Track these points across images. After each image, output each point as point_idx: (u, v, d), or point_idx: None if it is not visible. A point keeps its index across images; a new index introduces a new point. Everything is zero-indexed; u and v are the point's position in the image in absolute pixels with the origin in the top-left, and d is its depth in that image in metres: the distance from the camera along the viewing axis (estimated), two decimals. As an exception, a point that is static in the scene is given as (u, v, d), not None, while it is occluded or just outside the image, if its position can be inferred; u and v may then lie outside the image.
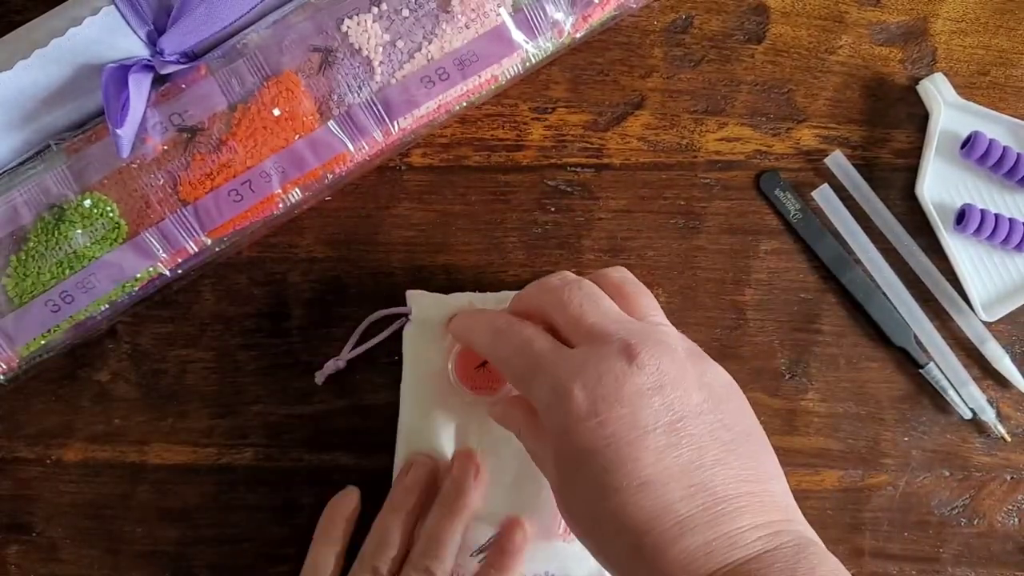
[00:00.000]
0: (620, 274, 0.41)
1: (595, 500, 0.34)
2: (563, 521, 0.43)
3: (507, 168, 0.49)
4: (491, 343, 0.40)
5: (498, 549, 0.44)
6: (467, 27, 0.45)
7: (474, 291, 0.48)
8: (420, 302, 0.47)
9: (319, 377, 0.48)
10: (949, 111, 0.48)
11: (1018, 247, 0.48)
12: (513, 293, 0.45)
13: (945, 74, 0.49)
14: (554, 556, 0.45)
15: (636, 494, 0.33)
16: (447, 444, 0.46)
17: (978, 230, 0.47)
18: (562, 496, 0.36)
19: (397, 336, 0.47)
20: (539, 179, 0.49)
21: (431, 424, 0.46)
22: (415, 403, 0.46)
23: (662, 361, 0.35)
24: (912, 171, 0.49)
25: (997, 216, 0.47)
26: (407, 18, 0.45)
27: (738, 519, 0.33)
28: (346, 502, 0.46)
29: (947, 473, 0.49)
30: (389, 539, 0.44)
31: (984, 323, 0.48)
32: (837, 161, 0.48)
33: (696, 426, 0.35)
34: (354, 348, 0.48)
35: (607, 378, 0.35)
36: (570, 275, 0.40)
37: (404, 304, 0.47)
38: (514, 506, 0.46)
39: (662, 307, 0.40)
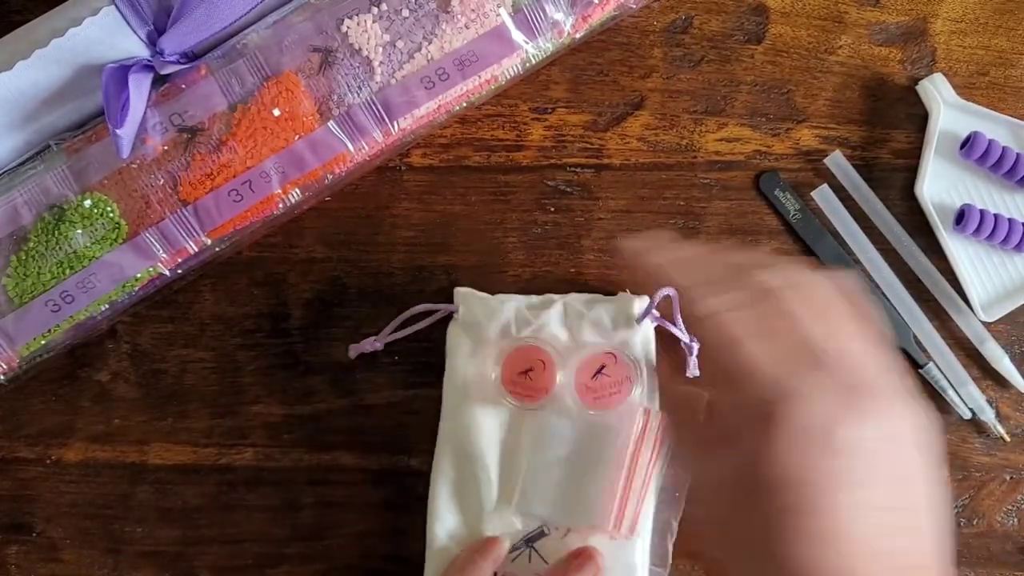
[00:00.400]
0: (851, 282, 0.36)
1: (765, 539, 0.31)
2: (614, 519, 0.43)
3: (507, 168, 0.49)
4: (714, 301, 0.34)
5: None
6: (467, 27, 0.45)
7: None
8: (468, 301, 0.46)
9: (352, 351, 0.47)
10: (948, 111, 0.48)
11: (1017, 247, 0.48)
12: (557, 296, 0.46)
13: (944, 74, 0.49)
14: (606, 553, 0.45)
15: (822, 548, 0.30)
16: (489, 446, 0.46)
17: (977, 230, 0.47)
18: (717, 520, 0.33)
19: (409, 338, 0.47)
20: (539, 179, 0.49)
21: (474, 424, 0.46)
22: (457, 402, 0.46)
23: (896, 419, 0.31)
24: (912, 171, 0.49)
25: (996, 216, 0.47)
26: (407, 18, 0.45)
27: None
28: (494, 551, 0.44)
29: (947, 473, 0.49)
30: None
31: (983, 323, 0.48)
32: (836, 161, 0.48)
33: (915, 496, 0.31)
34: (394, 331, 0.47)
35: (834, 414, 0.30)
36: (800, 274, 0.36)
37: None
38: (559, 506, 0.45)
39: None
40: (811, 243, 0.48)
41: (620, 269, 0.38)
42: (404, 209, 0.49)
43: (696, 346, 0.47)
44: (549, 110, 0.49)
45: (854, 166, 0.49)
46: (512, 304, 0.46)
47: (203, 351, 0.49)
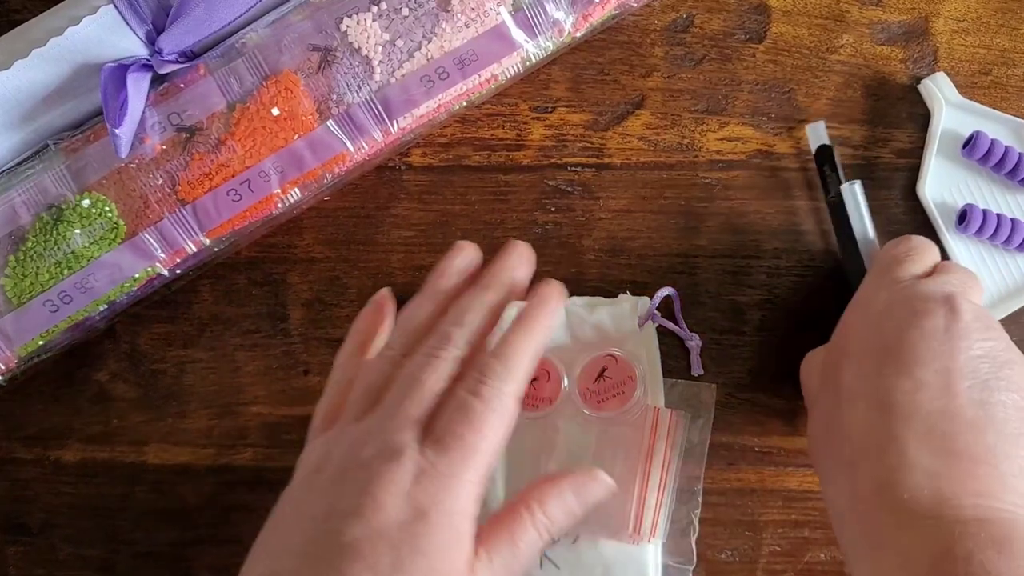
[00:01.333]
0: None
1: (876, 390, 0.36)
2: (632, 524, 0.43)
3: (507, 168, 0.49)
4: None
5: (527, 305, 0.38)
6: (467, 26, 0.44)
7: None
8: None
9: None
10: (951, 110, 0.48)
11: (1020, 247, 0.47)
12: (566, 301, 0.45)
13: (947, 73, 0.49)
14: (618, 558, 0.45)
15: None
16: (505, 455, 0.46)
17: (980, 230, 0.47)
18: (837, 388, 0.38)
19: None
20: (539, 179, 0.49)
21: None
22: None
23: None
24: (913, 171, 0.49)
25: (999, 216, 0.47)
26: (407, 17, 0.44)
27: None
28: (376, 299, 0.41)
29: None
30: (413, 316, 0.38)
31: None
32: (817, 131, 0.48)
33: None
34: None
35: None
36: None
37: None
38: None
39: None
40: (836, 228, 0.47)
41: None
42: (404, 209, 0.49)
43: (698, 344, 0.47)
44: (549, 109, 0.49)
45: (855, 166, 0.49)
46: (513, 311, 0.46)
47: (202, 351, 0.49)
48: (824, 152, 0.47)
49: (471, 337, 0.36)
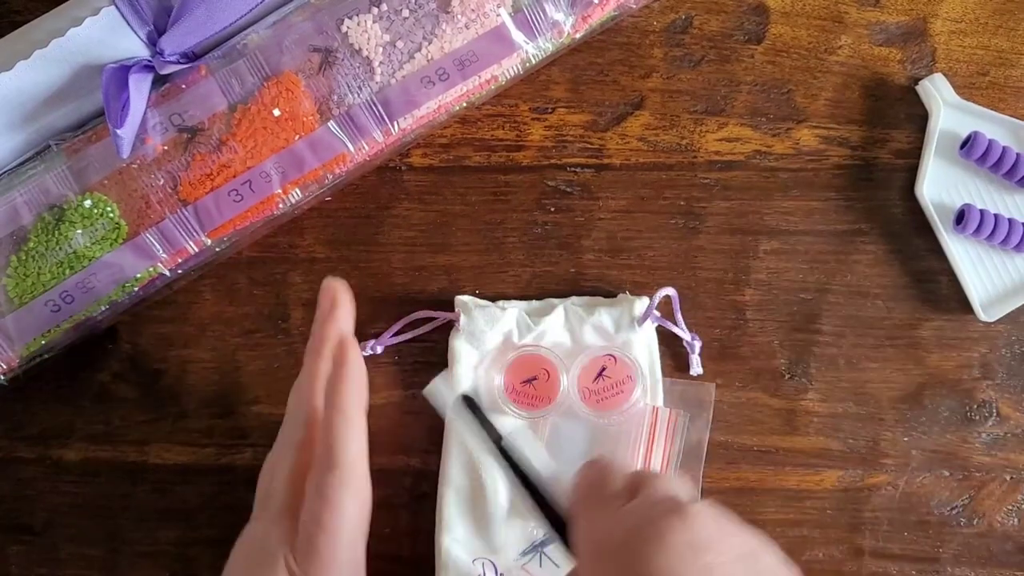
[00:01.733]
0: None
1: None
2: None
3: (507, 168, 0.49)
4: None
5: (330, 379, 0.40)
6: (467, 27, 0.45)
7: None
8: (469, 310, 0.47)
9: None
10: (948, 111, 0.48)
11: (1018, 247, 0.48)
12: (557, 300, 0.47)
13: (945, 74, 0.49)
14: None
15: None
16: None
17: (977, 230, 0.47)
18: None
19: (419, 339, 0.48)
20: (539, 179, 0.49)
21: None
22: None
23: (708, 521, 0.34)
24: (912, 171, 0.49)
25: (996, 216, 0.47)
26: (407, 18, 0.45)
27: None
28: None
29: (947, 473, 0.49)
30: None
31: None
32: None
33: None
34: (394, 335, 0.47)
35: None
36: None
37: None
38: None
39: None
40: (514, 470, 0.43)
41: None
42: (404, 209, 0.49)
43: (698, 344, 0.47)
44: (549, 110, 0.49)
45: (855, 166, 0.49)
46: (513, 311, 0.47)
47: (203, 351, 0.49)
48: (469, 403, 0.43)
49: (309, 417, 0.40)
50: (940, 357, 0.49)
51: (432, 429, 0.47)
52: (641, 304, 0.47)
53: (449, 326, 0.47)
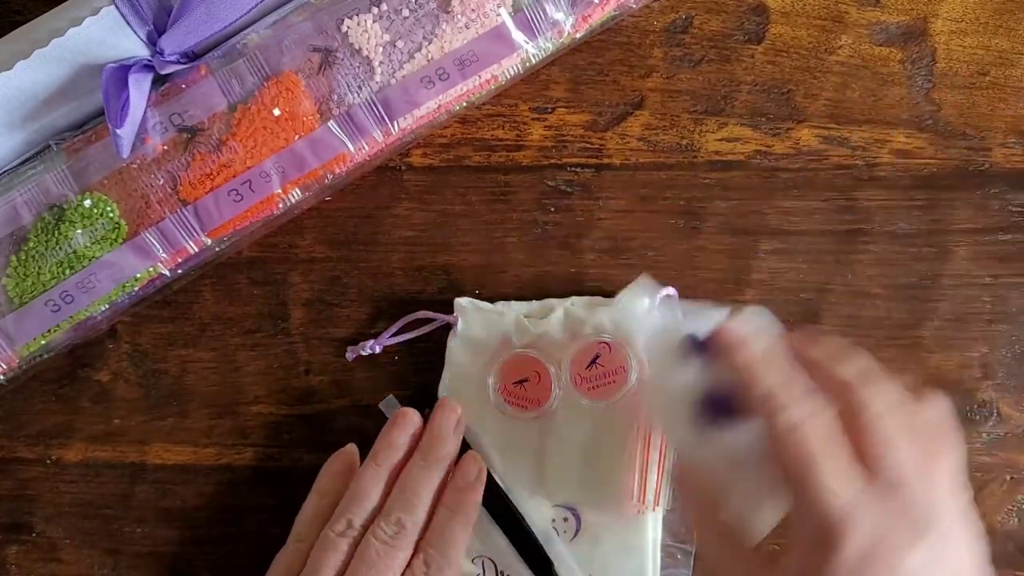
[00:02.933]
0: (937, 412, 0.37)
1: None
2: (636, 493, 0.44)
3: (507, 168, 0.49)
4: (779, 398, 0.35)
5: (453, 487, 0.44)
6: (467, 27, 0.45)
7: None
8: (467, 314, 0.47)
9: (350, 353, 0.48)
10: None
11: None
12: (556, 301, 0.47)
13: (945, 74, 0.49)
14: (628, 529, 0.46)
15: None
16: (487, 457, 0.46)
17: None
18: None
19: (419, 339, 0.48)
20: (539, 179, 0.49)
21: (470, 438, 0.46)
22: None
23: (950, 548, 0.33)
24: (912, 171, 0.49)
25: None
26: (407, 18, 0.45)
27: None
28: (344, 457, 0.46)
29: None
30: (366, 492, 0.43)
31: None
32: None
33: None
34: (393, 336, 0.48)
35: (890, 544, 0.32)
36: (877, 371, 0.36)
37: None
38: (579, 490, 0.46)
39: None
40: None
41: (720, 355, 0.38)
42: (404, 209, 0.49)
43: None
44: (549, 110, 0.49)
45: (854, 166, 0.49)
46: (512, 314, 0.47)
47: (203, 351, 0.49)
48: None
49: (420, 521, 0.42)
50: (940, 357, 0.49)
51: (432, 429, 0.47)
52: (643, 285, 0.47)
53: (449, 325, 0.47)
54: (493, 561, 0.46)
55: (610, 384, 0.45)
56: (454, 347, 0.47)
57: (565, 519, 0.46)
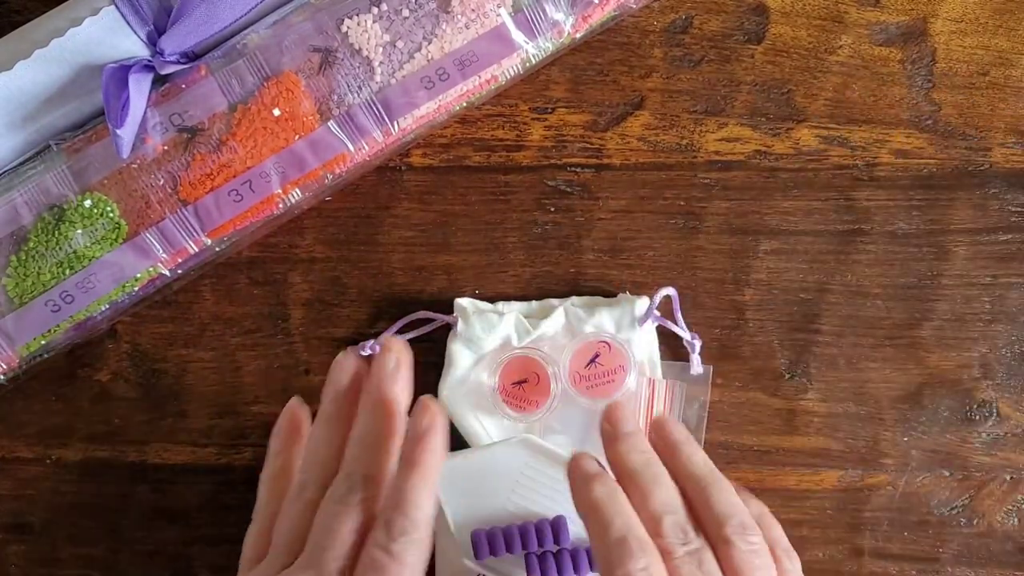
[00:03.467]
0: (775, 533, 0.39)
1: None
2: None
3: (507, 168, 0.49)
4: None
5: (406, 439, 0.38)
6: (467, 27, 0.45)
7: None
8: (467, 316, 0.47)
9: (347, 351, 0.47)
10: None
11: None
12: (557, 301, 0.47)
13: (945, 74, 0.49)
14: None
15: None
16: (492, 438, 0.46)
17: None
18: None
19: (419, 339, 0.48)
20: (539, 179, 0.49)
21: (470, 438, 0.46)
22: (454, 416, 0.46)
23: None
24: (912, 171, 0.49)
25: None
26: (407, 18, 0.45)
27: None
28: (288, 415, 0.42)
29: (947, 473, 0.49)
30: (316, 453, 0.39)
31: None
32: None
33: None
34: (393, 336, 0.48)
35: None
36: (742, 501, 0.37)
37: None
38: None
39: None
40: None
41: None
42: (404, 209, 0.49)
43: (698, 344, 0.47)
44: (549, 110, 0.49)
45: (854, 166, 0.49)
46: (512, 316, 0.47)
47: (203, 351, 0.49)
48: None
49: (374, 475, 0.37)
50: (940, 357, 0.49)
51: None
52: (641, 304, 0.47)
53: (450, 325, 0.47)
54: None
55: (608, 383, 0.46)
56: (454, 348, 0.47)
57: None
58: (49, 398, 0.49)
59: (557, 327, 0.47)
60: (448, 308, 0.48)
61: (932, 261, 0.49)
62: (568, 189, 0.49)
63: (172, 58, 0.44)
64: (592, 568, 0.42)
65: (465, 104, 0.47)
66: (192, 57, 0.45)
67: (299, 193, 0.46)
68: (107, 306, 0.45)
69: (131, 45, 0.43)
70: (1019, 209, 0.49)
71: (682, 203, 0.49)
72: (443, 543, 0.45)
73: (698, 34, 0.49)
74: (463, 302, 0.47)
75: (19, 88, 0.43)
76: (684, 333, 0.48)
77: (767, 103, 0.49)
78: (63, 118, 0.44)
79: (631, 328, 0.47)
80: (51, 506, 0.49)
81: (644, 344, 0.47)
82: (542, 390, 0.46)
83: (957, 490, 0.49)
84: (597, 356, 0.46)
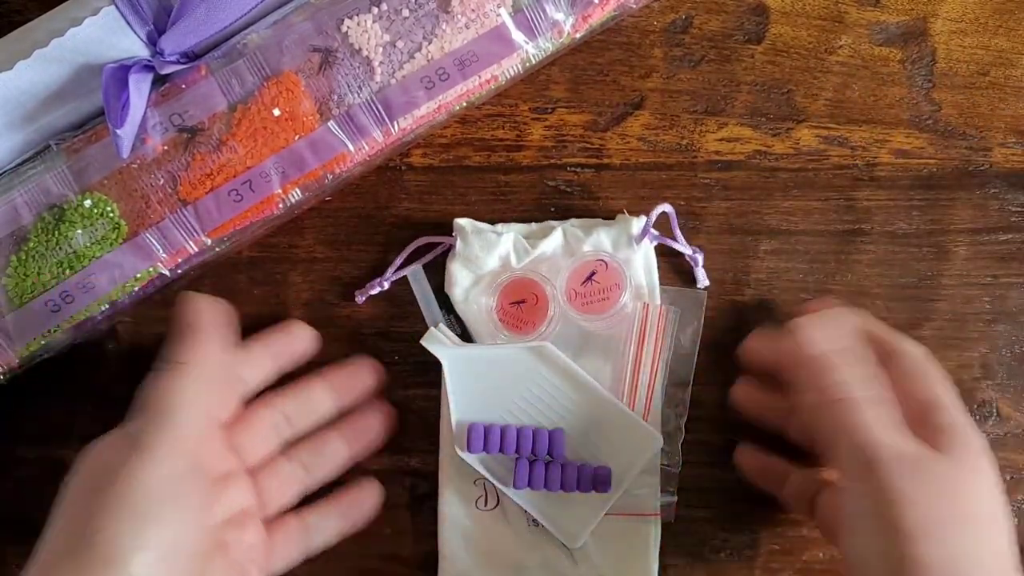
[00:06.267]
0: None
1: None
2: (627, 398, 0.46)
3: (507, 168, 0.49)
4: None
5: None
6: (467, 27, 0.45)
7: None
8: (465, 235, 0.46)
9: (359, 296, 0.48)
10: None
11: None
12: (556, 223, 0.47)
13: (945, 74, 0.49)
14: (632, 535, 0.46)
15: None
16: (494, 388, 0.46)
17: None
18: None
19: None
20: (539, 179, 0.49)
21: (475, 365, 0.46)
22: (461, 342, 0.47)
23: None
24: (912, 171, 0.49)
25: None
26: (407, 18, 0.45)
27: None
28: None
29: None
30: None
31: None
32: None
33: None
34: (397, 270, 0.48)
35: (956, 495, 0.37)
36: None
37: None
38: (593, 446, 0.46)
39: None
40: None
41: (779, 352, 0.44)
42: (405, 209, 0.49)
43: (701, 257, 0.47)
44: (549, 110, 0.49)
45: (854, 166, 0.49)
46: (509, 235, 0.46)
47: (203, 351, 0.49)
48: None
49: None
50: (940, 357, 0.48)
51: (432, 428, 0.47)
52: (639, 223, 0.47)
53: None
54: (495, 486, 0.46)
55: (604, 300, 0.45)
56: (453, 267, 0.47)
57: None
58: (49, 398, 0.49)
59: (556, 247, 0.46)
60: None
61: (932, 261, 0.49)
62: (568, 189, 0.49)
63: (172, 58, 0.44)
64: (579, 488, 0.44)
65: (465, 104, 0.47)
66: (192, 57, 0.45)
67: (299, 193, 0.46)
68: (107, 306, 0.45)
69: (131, 45, 0.43)
70: (1019, 209, 0.49)
71: (682, 203, 0.49)
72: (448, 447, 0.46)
73: (698, 34, 0.49)
74: (462, 222, 0.47)
75: (19, 88, 0.43)
76: (685, 248, 0.47)
77: (767, 103, 0.49)
78: (63, 118, 0.44)
79: (628, 247, 0.46)
80: (51, 506, 0.48)
81: (642, 264, 0.47)
82: (540, 311, 0.46)
83: (957, 490, 0.49)
84: (593, 274, 0.45)
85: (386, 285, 0.48)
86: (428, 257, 0.48)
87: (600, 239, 0.46)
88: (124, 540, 0.36)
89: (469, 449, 0.44)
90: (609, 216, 0.49)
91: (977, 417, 0.49)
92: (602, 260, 0.46)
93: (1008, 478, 0.49)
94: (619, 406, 0.45)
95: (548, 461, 0.45)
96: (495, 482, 0.45)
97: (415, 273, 0.47)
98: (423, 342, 0.46)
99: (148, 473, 0.38)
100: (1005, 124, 0.49)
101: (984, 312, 0.49)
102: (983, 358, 0.49)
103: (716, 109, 0.49)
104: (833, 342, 0.41)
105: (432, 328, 0.46)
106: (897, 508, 0.35)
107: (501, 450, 0.44)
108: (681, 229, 0.49)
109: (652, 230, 0.47)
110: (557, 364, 0.45)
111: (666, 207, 0.47)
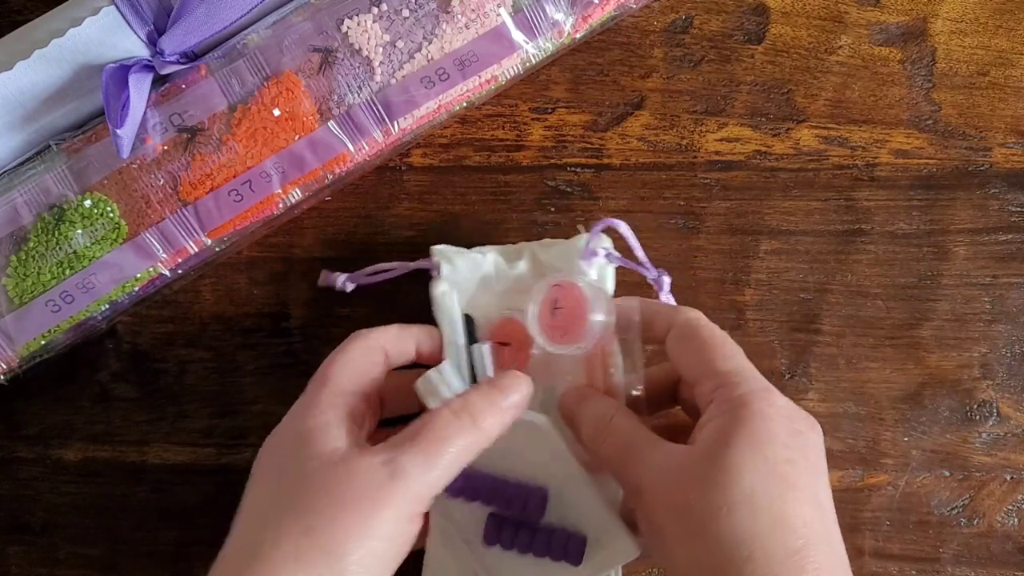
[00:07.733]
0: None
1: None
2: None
3: (507, 168, 0.49)
4: None
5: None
6: (467, 27, 0.45)
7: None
8: (450, 258, 0.45)
9: (323, 278, 0.47)
10: None
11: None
12: (525, 244, 0.46)
13: (945, 74, 0.49)
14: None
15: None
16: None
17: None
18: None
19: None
20: (539, 179, 0.49)
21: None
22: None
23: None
24: (912, 171, 0.49)
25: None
26: (407, 18, 0.45)
27: None
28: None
29: (947, 473, 0.49)
30: None
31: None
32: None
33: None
34: (369, 276, 0.47)
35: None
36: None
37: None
38: (572, 517, 0.43)
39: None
40: None
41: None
42: (405, 209, 0.49)
43: (667, 280, 0.45)
44: (549, 110, 0.49)
45: (854, 166, 0.49)
46: (492, 256, 0.45)
47: (203, 351, 0.49)
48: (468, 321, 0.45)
49: None
50: (940, 357, 0.49)
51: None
52: (597, 241, 0.44)
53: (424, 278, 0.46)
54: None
55: (577, 320, 0.42)
56: (440, 291, 0.44)
57: None
58: (49, 398, 0.49)
59: (526, 269, 0.45)
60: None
61: (932, 261, 0.49)
62: (568, 189, 0.49)
63: (172, 58, 0.44)
64: (551, 555, 0.41)
65: (465, 104, 0.47)
66: (192, 57, 0.45)
67: (299, 193, 0.46)
68: (107, 306, 0.45)
69: (131, 45, 0.43)
70: (1019, 209, 0.49)
71: (682, 203, 0.49)
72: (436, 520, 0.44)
73: (698, 34, 0.49)
74: (441, 248, 0.45)
75: (19, 88, 0.43)
76: (648, 271, 0.44)
77: (767, 103, 0.49)
78: (63, 118, 0.44)
79: (580, 267, 0.44)
80: (50, 506, 0.49)
81: (597, 279, 0.44)
82: (523, 359, 0.44)
83: (957, 490, 0.49)
84: (556, 302, 0.42)
85: (350, 286, 0.46)
86: (402, 270, 0.46)
87: (552, 258, 0.45)
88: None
89: (447, 491, 0.40)
90: (609, 215, 0.49)
91: (977, 417, 0.49)
92: (557, 284, 0.43)
93: (1008, 478, 0.49)
94: (605, 508, 0.42)
95: (521, 521, 0.42)
96: (461, 538, 0.42)
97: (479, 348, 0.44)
98: (417, 385, 0.41)
99: None
100: (1005, 124, 0.49)
101: (984, 312, 0.49)
102: (983, 358, 0.49)
103: (716, 109, 0.49)
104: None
105: (430, 372, 0.41)
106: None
107: (477, 498, 0.42)
108: (681, 229, 0.49)
109: (613, 252, 0.44)
110: (549, 441, 0.42)
111: (614, 222, 0.43)
